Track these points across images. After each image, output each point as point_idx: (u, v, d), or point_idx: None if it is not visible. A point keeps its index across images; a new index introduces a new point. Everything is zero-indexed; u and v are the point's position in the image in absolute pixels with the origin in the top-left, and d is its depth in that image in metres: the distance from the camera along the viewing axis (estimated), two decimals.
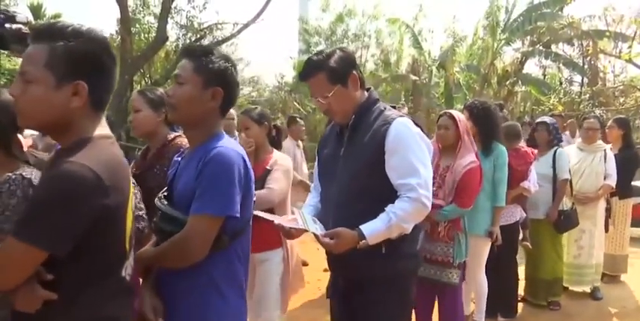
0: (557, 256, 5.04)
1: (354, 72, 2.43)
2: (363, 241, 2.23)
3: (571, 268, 5.31)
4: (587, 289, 5.43)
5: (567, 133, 8.34)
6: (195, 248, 1.78)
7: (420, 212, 2.34)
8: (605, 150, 5.35)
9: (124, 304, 1.65)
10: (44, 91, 1.47)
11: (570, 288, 5.41)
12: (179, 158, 2.08)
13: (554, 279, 5.02)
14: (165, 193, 2.00)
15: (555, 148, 5.03)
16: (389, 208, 2.29)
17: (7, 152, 1.94)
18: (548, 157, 4.98)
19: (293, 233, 2.40)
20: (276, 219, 2.37)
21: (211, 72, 1.90)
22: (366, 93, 2.50)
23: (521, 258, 4.96)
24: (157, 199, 1.96)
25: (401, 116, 2.41)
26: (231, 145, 1.89)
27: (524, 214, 4.66)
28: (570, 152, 5.38)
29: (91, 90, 1.51)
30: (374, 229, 2.25)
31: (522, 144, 4.94)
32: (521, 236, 4.84)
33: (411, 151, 2.32)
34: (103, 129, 1.58)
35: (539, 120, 5.29)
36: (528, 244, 4.83)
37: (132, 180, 2.13)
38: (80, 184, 1.39)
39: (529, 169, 4.54)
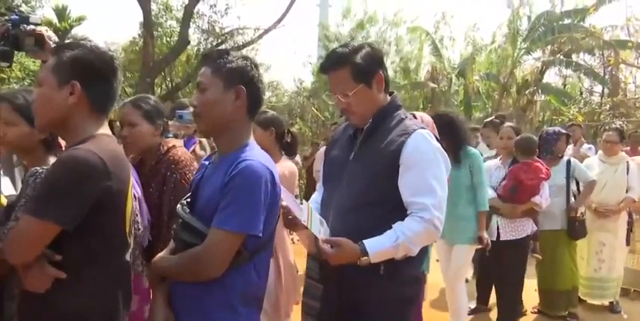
0: (575, 265, 4.98)
1: (381, 72, 2.23)
2: (365, 258, 2.04)
3: (592, 281, 5.24)
4: (606, 303, 5.35)
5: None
6: (212, 264, 1.72)
7: (431, 235, 2.15)
8: (627, 162, 5.26)
9: (128, 289, 1.82)
10: (49, 92, 1.70)
11: (589, 301, 5.35)
12: (207, 162, 2.00)
13: (572, 288, 4.94)
14: (189, 200, 1.92)
15: (565, 158, 4.99)
16: (397, 225, 2.09)
17: (47, 149, 2.12)
18: (561, 167, 4.92)
19: (295, 223, 2.12)
20: (287, 200, 2.10)
21: (229, 71, 1.84)
22: (388, 97, 2.30)
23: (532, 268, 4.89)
24: (179, 205, 1.90)
25: (422, 128, 2.21)
26: (260, 157, 1.82)
27: (536, 228, 4.56)
28: (592, 164, 5.32)
29: (89, 94, 1.70)
30: (378, 247, 2.05)
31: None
32: (531, 247, 4.76)
33: (428, 168, 2.13)
34: (105, 130, 1.77)
35: (562, 131, 5.21)
36: (538, 255, 4.75)
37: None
38: (87, 164, 1.57)
39: (540, 183, 4.43)
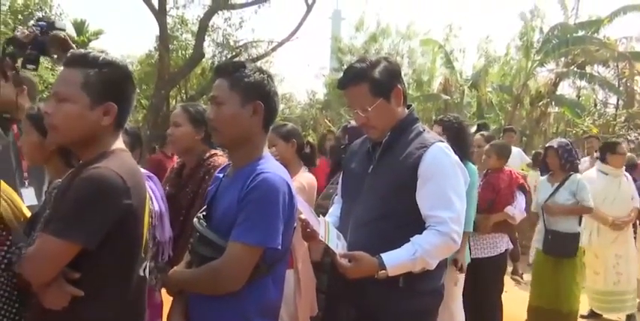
0: (579, 289, 4.72)
1: (399, 86, 2.23)
2: (383, 271, 2.03)
3: (611, 295, 5.18)
4: (622, 316, 5.28)
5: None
6: (231, 278, 1.72)
7: (449, 248, 2.14)
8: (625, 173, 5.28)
9: (142, 304, 1.79)
10: (80, 110, 1.66)
11: (605, 315, 5.29)
12: (220, 175, 2.01)
13: (569, 311, 4.65)
14: (205, 213, 1.92)
15: (570, 174, 4.66)
16: (415, 239, 2.08)
17: (67, 162, 2.12)
18: (566, 183, 4.65)
19: (314, 236, 2.14)
20: (306, 213, 2.13)
21: (247, 87, 1.83)
22: (406, 110, 2.30)
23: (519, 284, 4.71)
24: (195, 218, 1.91)
25: (440, 141, 2.22)
26: (276, 169, 1.82)
27: (511, 246, 4.29)
28: (592, 177, 5.21)
29: (119, 112, 1.71)
30: (396, 260, 2.04)
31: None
32: (511, 269, 4.51)
33: (447, 181, 2.13)
34: (120, 144, 1.77)
35: (547, 145, 5.01)
36: (519, 277, 4.41)
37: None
38: (109, 184, 1.57)
39: (514, 191, 4.22)
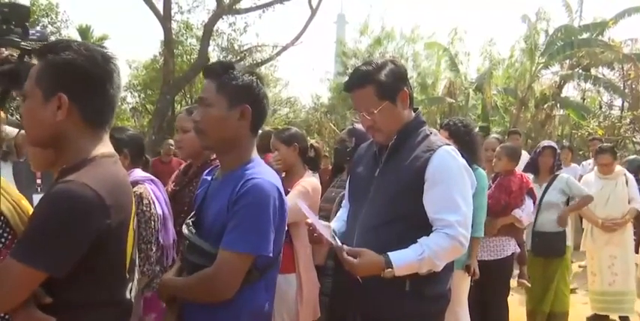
0: (568, 289, 4.81)
1: (405, 89, 2.22)
2: (389, 269, 2.01)
3: (607, 296, 5.19)
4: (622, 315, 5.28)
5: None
6: (224, 286, 1.72)
7: (456, 251, 2.12)
8: (625, 174, 5.29)
9: None
10: (35, 107, 1.47)
11: (611, 316, 5.30)
12: (209, 177, 1.98)
13: (561, 312, 4.71)
14: (193, 219, 1.91)
15: (556, 173, 4.80)
16: (423, 240, 2.07)
17: None
18: (554, 183, 4.75)
19: (321, 240, 2.15)
20: (313, 218, 2.14)
21: (235, 89, 1.79)
22: (412, 113, 2.29)
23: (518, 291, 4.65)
24: (184, 225, 1.89)
25: (447, 144, 2.21)
26: (265, 174, 1.80)
27: (519, 249, 4.25)
28: (590, 180, 5.33)
29: (80, 106, 1.47)
30: (403, 259, 2.02)
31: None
32: (517, 272, 4.48)
33: (453, 184, 2.12)
34: (105, 148, 1.54)
35: (545, 144, 5.08)
36: (525, 281, 4.40)
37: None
38: (79, 202, 1.36)
39: (523, 194, 4.22)
